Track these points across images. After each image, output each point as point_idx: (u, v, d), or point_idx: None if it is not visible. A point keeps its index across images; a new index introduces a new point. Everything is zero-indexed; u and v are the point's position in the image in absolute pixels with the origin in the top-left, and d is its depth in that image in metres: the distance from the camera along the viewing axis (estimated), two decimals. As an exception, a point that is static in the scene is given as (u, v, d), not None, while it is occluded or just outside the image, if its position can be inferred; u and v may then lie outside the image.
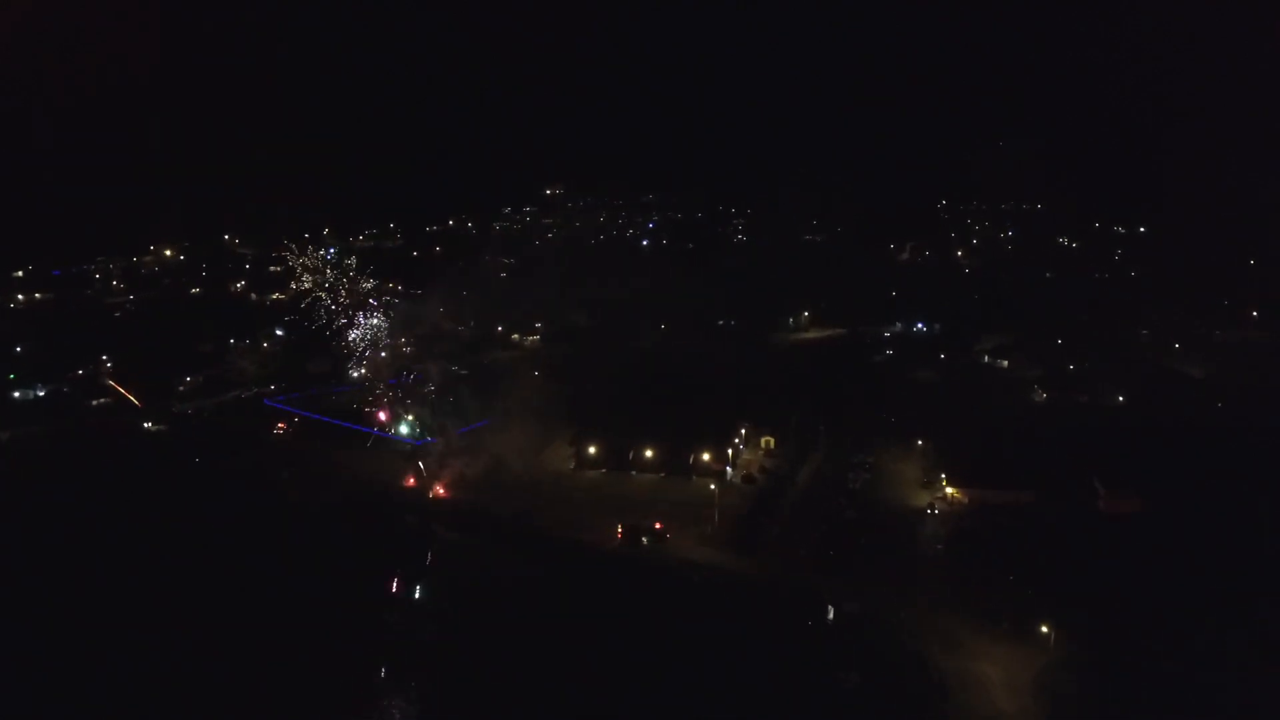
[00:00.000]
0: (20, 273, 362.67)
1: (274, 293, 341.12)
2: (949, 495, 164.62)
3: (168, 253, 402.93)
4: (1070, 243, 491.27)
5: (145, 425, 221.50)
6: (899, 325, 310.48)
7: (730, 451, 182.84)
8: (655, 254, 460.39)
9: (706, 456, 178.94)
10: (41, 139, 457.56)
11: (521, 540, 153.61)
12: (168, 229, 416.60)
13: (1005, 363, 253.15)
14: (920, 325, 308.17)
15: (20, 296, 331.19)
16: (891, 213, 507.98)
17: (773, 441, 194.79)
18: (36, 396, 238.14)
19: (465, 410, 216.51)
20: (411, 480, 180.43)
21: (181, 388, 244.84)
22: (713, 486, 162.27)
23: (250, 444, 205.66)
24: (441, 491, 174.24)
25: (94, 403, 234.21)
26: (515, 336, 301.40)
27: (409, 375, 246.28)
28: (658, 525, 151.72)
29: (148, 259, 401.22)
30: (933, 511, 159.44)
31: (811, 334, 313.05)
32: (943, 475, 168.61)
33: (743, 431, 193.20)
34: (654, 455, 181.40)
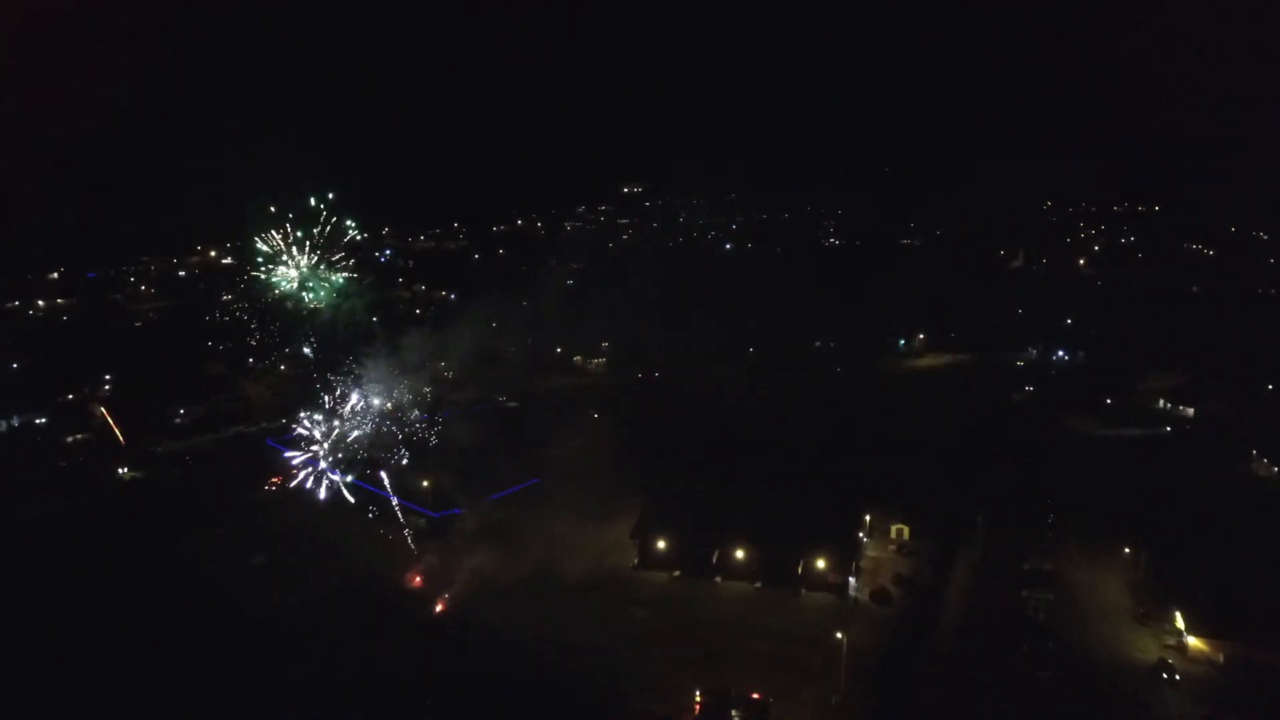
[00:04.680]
0: (55, 274, 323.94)
1: (313, 301, 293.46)
2: (1188, 646, 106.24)
3: (213, 253, 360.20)
4: (1206, 249, 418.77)
5: (120, 471, 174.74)
6: (1033, 352, 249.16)
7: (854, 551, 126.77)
8: (739, 259, 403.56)
9: (821, 564, 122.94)
10: (94, 132, 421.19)
11: (548, 708, 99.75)
12: (218, 228, 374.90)
13: (1190, 410, 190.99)
14: (1061, 353, 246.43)
15: (41, 302, 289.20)
16: (996, 213, 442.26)
17: (907, 531, 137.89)
18: (10, 428, 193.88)
19: (504, 466, 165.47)
20: (418, 579, 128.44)
21: (178, 420, 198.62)
22: (840, 635, 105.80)
23: (231, 506, 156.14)
24: (440, 606, 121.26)
25: (70, 439, 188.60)
26: (578, 359, 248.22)
27: (439, 412, 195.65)
28: (755, 695, 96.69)
29: (193, 259, 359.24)
30: (1171, 677, 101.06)
31: (927, 360, 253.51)
32: (1176, 613, 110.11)
33: (867, 518, 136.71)
34: (747, 558, 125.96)
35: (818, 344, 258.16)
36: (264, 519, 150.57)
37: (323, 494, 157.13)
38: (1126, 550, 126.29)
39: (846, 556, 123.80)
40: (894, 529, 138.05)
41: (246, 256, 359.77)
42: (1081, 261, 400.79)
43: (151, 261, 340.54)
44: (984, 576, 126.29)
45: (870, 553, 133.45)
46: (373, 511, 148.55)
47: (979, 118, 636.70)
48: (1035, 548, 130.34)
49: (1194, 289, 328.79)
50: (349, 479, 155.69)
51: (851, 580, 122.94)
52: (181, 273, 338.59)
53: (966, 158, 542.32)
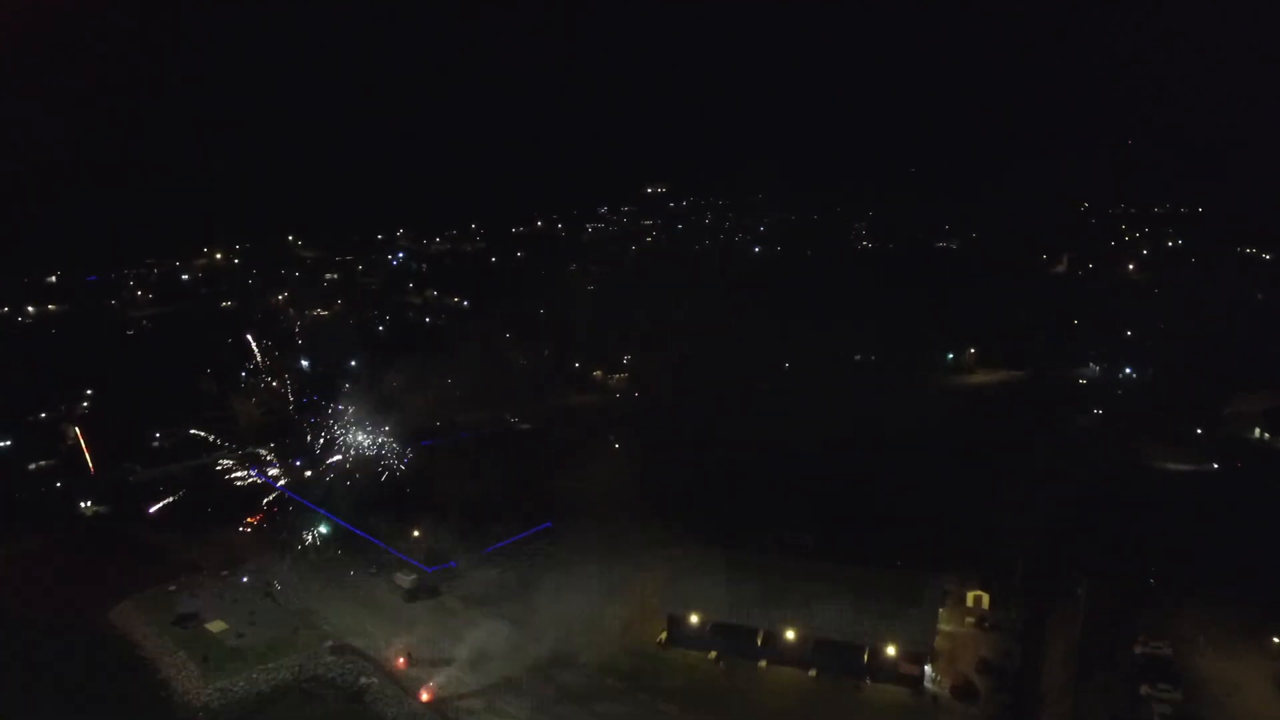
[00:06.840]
0: (53, 277, 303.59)
1: (318, 308, 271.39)
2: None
3: (219, 256, 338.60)
4: (1261, 253, 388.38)
5: (83, 505, 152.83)
6: (1095, 368, 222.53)
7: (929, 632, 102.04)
8: (767, 262, 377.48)
9: (892, 650, 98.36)
10: (107, 130, 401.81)
11: None
12: (228, 230, 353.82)
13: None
14: (1128, 370, 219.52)
15: (31, 308, 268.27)
16: (1033, 214, 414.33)
17: (986, 599, 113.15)
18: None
19: (510, 504, 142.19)
20: (402, 661, 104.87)
21: (155, 443, 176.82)
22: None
23: (193, 555, 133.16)
24: (426, 696, 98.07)
25: (32, 466, 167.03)
26: (597, 374, 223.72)
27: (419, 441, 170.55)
28: None
29: (201, 262, 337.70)
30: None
31: (978, 377, 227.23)
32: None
33: (944, 589, 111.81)
34: (799, 639, 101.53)
35: (858, 358, 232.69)
36: (229, 572, 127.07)
37: (302, 540, 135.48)
38: (1276, 639, 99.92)
39: (921, 640, 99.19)
40: (970, 596, 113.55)
41: (255, 259, 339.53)
42: (1131, 266, 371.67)
43: (155, 264, 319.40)
44: (1088, 662, 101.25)
45: (944, 626, 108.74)
46: (371, 570, 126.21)
47: (1010, 114, 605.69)
48: (1145, 625, 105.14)
49: (1258, 296, 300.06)
50: (324, 527, 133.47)
51: (927, 669, 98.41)
52: (185, 276, 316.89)
53: (998, 156, 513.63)
